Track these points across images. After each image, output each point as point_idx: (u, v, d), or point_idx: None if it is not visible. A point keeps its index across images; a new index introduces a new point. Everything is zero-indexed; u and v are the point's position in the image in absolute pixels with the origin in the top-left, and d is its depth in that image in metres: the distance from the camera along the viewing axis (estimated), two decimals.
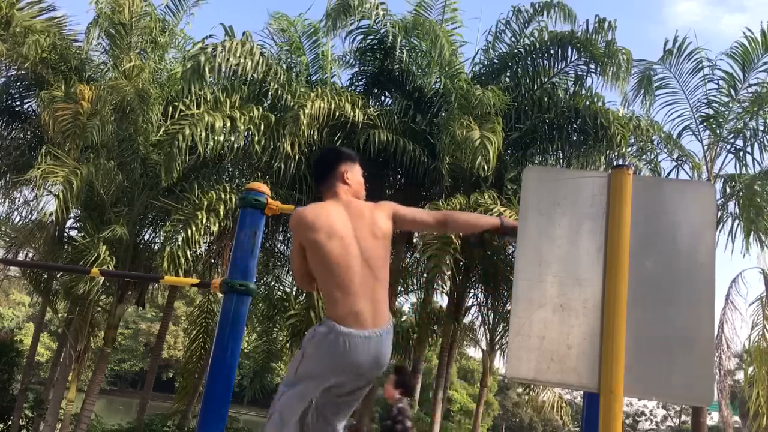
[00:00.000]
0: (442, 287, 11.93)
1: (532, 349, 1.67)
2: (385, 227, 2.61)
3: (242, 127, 9.74)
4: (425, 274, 10.19)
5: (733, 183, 11.74)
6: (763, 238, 10.97)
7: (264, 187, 2.98)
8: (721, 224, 11.55)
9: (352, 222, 2.55)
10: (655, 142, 12.19)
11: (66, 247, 11.07)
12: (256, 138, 9.92)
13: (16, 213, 12.56)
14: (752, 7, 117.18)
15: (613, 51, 10.34)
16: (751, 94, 11.68)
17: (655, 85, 12.25)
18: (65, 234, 11.79)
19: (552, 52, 10.93)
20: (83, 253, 9.56)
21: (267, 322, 11.90)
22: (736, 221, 11.46)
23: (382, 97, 12.11)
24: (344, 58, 11.87)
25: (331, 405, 2.59)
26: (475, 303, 13.03)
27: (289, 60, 11.46)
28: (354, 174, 2.71)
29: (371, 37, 11.29)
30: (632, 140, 11.60)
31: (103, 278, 10.13)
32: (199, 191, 9.80)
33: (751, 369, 11.68)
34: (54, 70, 11.35)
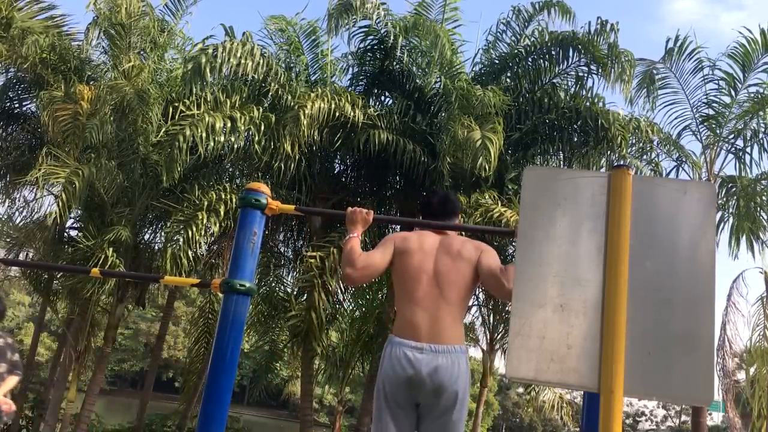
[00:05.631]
0: None
1: (532, 349, 1.67)
2: (468, 254, 2.70)
3: (242, 128, 9.74)
4: None
5: (733, 184, 11.74)
6: (763, 238, 10.98)
7: (264, 187, 2.97)
8: (722, 224, 11.55)
9: (439, 246, 2.74)
10: (655, 143, 12.19)
11: (66, 247, 11.06)
12: (257, 138, 9.92)
13: (16, 213, 12.57)
14: (750, 5, 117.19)
15: (616, 54, 10.33)
16: (751, 95, 11.67)
17: (657, 84, 12.26)
18: (66, 234, 11.78)
19: (553, 52, 10.92)
20: (87, 254, 9.57)
21: (268, 323, 11.89)
22: (737, 221, 11.45)
23: (382, 97, 12.10)
24: (344, 59, 11.86)
25: None
26: (475, 303, 13.04)
27: (288, 60, 11.44)
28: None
29: (372, 37, 11.28)
30: (633, 141, 11.58)
31: (113, 280, 10.13)
32: (199, 192, 9.80)
33: (752, 369, 11.68)
34: (53, 70, 11.32)
